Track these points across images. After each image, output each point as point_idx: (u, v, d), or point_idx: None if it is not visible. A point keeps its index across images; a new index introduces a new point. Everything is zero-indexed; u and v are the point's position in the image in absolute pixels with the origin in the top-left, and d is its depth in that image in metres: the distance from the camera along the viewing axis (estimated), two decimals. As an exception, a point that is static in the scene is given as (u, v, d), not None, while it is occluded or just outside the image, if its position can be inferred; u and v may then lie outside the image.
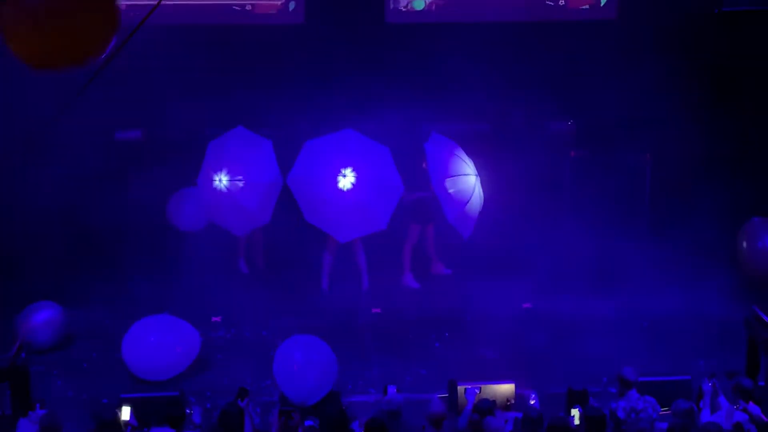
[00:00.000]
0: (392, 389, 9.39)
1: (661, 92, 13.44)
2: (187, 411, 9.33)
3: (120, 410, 9.16)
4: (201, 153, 12.52)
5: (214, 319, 12.38)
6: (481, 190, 12.10)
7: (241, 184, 12.22)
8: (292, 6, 13.79)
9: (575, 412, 9.06)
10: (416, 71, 13.92)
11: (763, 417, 8.72)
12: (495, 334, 11.77)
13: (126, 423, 9.08)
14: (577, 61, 13.90)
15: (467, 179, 12.03)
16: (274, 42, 13.84)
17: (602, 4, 14.06)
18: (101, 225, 13.18)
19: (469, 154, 12.33)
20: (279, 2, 13.80)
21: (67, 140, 12.76)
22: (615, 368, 9.41)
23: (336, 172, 11.84)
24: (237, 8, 13.71)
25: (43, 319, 11.56)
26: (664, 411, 8.95)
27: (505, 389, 9.73)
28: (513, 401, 9.64)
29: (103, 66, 7.21)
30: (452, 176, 11.91)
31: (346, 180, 11.80)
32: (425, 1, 13.94)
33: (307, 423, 8.77)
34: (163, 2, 9.39)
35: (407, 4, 13.91)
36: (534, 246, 13.53)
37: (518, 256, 13.40)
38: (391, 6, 13.94)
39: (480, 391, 9.50)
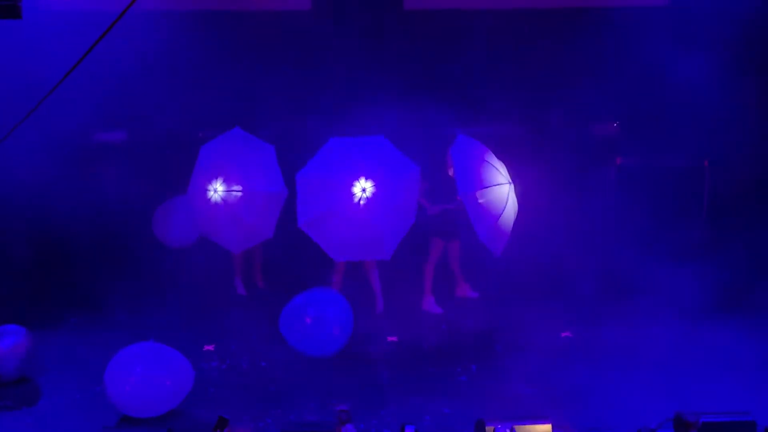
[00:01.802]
0: (410, 430, 9.19)
1: (721, 89, 13.35)
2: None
3: (101, 452, 9.17)
4: (192, 156, 12.50)
5: (206, 347, 12.26)
6: (515, 201, 11.94)
7: (238, 194, 12.11)
8: (297, -11, 13.79)
9: None
10: (439, 64, 13.95)
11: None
12: (529, 367, 11.70)
13: (108, 466, 9.09)
14: (623, 54, 13.86)
15: (500, 188, 11.89)
16: (277, 30, 13.89)
17: (653, -13, 14.01)
18: (75, 237, 13.20)
19: (500, 159, 12.18)
20: (283, -15, 13.81)
21: (39, 145, 12.66)
22: (667, 406, 9.37)
23: (354, 181, 11.66)
24: (236, -9, 13.56)
25: (7, 346, 11.39)
26: (725, 457, 8.84)
27: (541, 430, 9.54)
28: (550, 443, 9.65)
29: (78, 63, 7.05)
30: (484, 187, 11.75)
31: (363, 193, 11.62)
32: (450, -16, 13.91)
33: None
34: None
35: (429, -12, 13.88)
36: (574, 266, 13.64)
37: (556, 277, 13.65)
38: (411, -10, 13.91)
39: (512, 432, 9.34)
